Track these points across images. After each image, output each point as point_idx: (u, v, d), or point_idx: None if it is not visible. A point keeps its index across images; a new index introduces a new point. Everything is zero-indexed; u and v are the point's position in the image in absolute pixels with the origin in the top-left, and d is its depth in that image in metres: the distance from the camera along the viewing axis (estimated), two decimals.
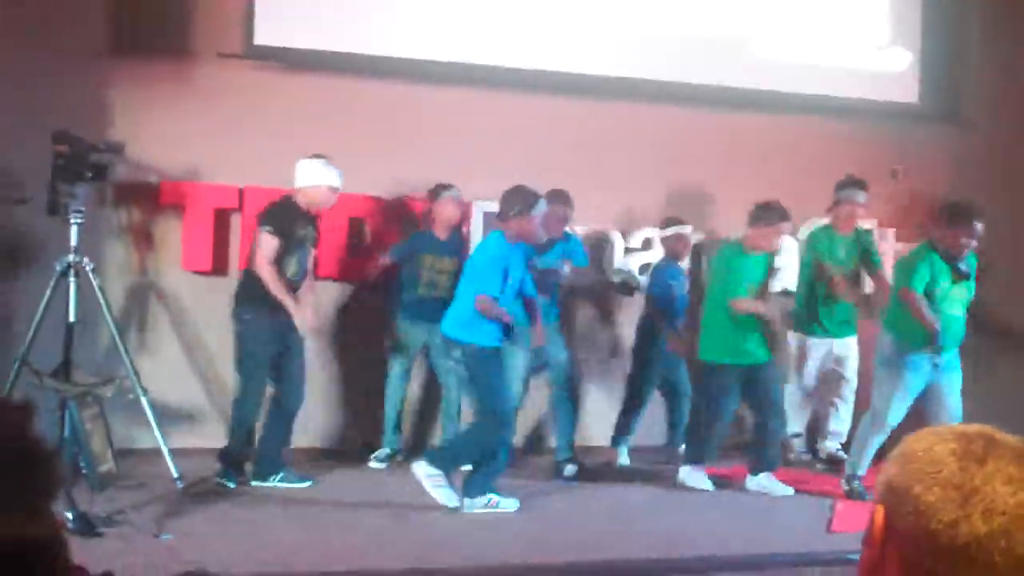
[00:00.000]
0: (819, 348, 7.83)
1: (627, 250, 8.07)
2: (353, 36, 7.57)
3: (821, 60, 8.59)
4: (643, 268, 7.92)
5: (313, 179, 6.61)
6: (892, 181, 8.66)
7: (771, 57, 8.44)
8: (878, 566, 1.41)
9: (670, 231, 7.69)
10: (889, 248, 8.42)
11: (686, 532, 6.03)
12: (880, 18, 8.70)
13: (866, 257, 7.87)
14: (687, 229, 7.72)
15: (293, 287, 6.55)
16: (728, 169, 8.32)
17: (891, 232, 8.53)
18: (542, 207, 6.32)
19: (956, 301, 6.74)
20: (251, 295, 6.50)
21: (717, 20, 8.32)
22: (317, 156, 6.64)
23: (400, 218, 7.69)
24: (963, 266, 6.71)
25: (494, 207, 7.64)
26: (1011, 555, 1.31)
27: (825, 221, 7.95)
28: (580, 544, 5.71)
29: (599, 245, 8.05)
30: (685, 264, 7.89)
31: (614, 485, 7.08)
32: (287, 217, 6.57)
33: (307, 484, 6.62)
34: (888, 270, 7.77)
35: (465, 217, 7.55)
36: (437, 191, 7.33)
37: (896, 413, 6.66)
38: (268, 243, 6.47)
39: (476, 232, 7.70)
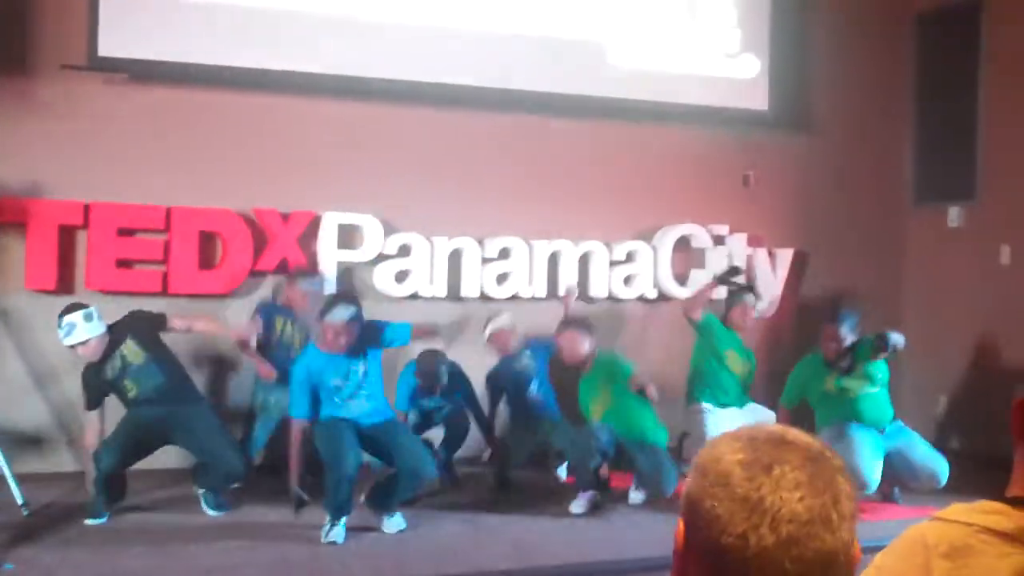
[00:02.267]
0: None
1: (484, 260, 8.15)
2: (201, 47, 7.50)
3: (674, 68, 8.77)
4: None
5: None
6: (744, 187, 8.91)
7: (626, 65, 8.60)
8: None
9: (489, 329, 7.48)
10: (738, 252, 8.70)
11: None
12: (730, 26, 8.94)
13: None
14: (505, 323, 7.48)
15: None
16: (585, 177, 8.49)
17: (743, 237, 8.77)
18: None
19: (860, 383, 7.01)
20: None
21: (573, 28, 8.45)
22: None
23: (252, 231, 7.66)
24: (844, 363, 6.99)
25: (346, 219, 7.73)
26: (802, 561, 1.32)
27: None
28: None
29: (455, 255, 8.12)
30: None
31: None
32: None
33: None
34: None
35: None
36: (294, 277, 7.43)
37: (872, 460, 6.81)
38: None
39: (328, 243, 7.73)
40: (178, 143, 7.47)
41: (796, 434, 1.43)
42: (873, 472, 6.67)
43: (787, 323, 9.03)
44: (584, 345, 7.04)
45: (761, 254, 8.83)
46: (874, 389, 7.04)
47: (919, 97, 9.47)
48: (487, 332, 7.47)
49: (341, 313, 6.09)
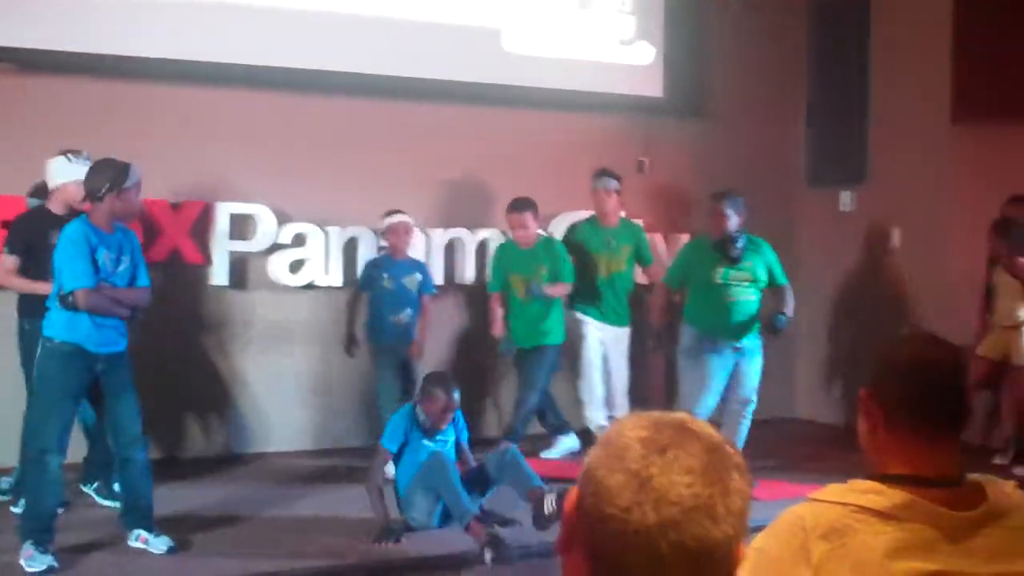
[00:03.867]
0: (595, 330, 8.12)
1: (380, 248, 8.12)
2: (86, 35, 7.37)
3: (568, 54, 8.84)
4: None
5: (61, 177, 6.29)
6: (639, 173, 9.00)
7: (521, 52, 8.64)
8: (568, 546, 1.44)
9: (387, 221, 7.61)
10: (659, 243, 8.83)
11: None
12: (625, 13, 9.02)
13: (638, 250, 8.23)
14: (403, 219, 7.63)
15: None
16: (481, 164, 8.51)
17: (639, 223, 8.86)
18: (135, 177, 5.50)
19: (740, 287, 7.12)
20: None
21: (468, 14, 8.47)
22: (64, 152, 6.35)
23: (140, 222, 7.54)
24: (734, 252, 7.09)
25: (238, 208, 7.67)
26: (679, 547, 1.34)
27: (589, 214, 8.29)
28: None
29: (351, 244, 8.09)
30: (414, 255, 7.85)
31: None
32: (32, 228, 6.30)
33: None
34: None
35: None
36: None
37: (704, 401, 7.03)
38: (4, 263, 6.26)
39: (220, 233, 7.67)
40: (63, 134, 7.31)
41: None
42: (698, 409, 6.87)
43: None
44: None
45: (658, 239, 8.93)
46: (752, 296, 7.13)
47: (812, 83, 9.66)
48: (384, 223, 7.57)
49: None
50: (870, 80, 9.11)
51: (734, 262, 7.10)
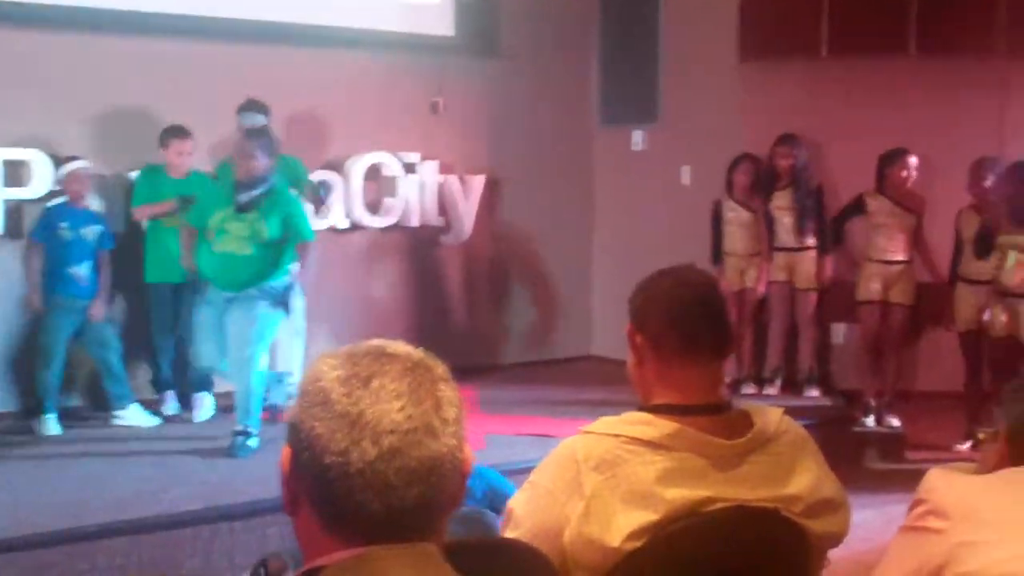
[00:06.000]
0: None
1: None
2: None
3: None
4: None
5: None
6: (433, 115, 8.98)
7: None
8: (294, 505, 1.44)
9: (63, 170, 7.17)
10: (430, 180, 8.82)
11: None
12: None
13: (298, 187, 7.57)
14: (83, 166, 7.19)
15: None
16: (272, 105, 8.32)
17: (434, 164, 8.87)
18: None
19: (235, 237, 6.50)
20: None
21: None
22: None
23: None
24: (244, 197, 6.48)
25: (11, 154, 7.33)
26: (407, 472, 1.35)
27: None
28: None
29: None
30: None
31: None
32: None
33: None
34: None
35: None
36: None
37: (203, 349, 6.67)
38: None
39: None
40: None
41: (397, 346, 1.45)
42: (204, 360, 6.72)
43: (483, 250, 9.21)
44: None
45: (453, 181, 8.95)
46: (248, 250, 6.46)
47: (604, 22, 9.78)
48: (60, 173, 7.20)
49: None
50: (660, 19, 9.28)
51: (241, 210, 6.49)
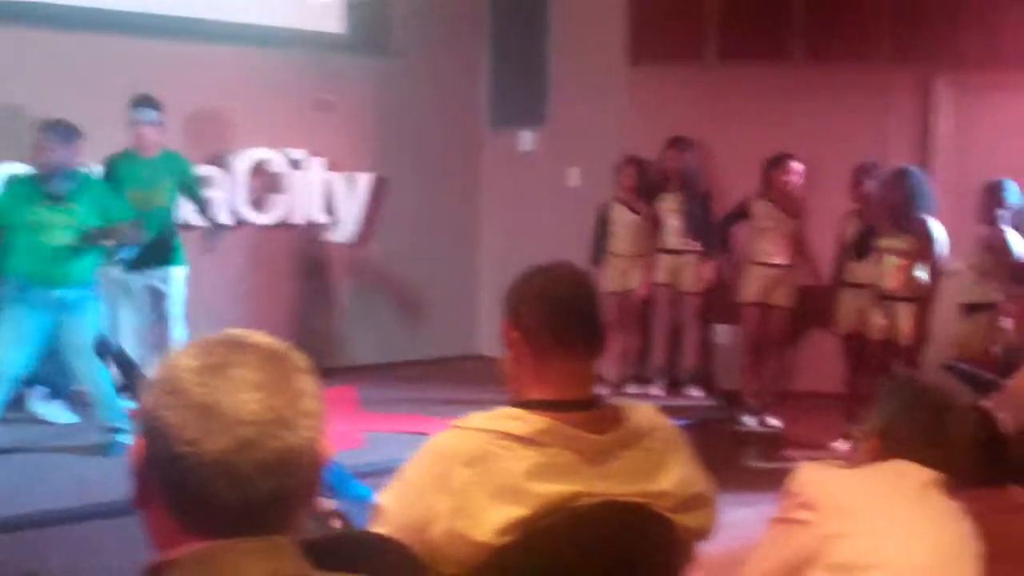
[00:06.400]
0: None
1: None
2: None
3: None
4: None
5: None
6: (320, 112, 8.91)
7: None
8: (145, 500, 1.40)
9: None
10: (316, 177, 8.76)
11: None
12: None
13: (184, 184, 7.48)
14: None
15: None
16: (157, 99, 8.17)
17: (321, 162, 8.80)
18: None
19: (57, 229, 6.28)
20: None
21: None
22: None
23: None
24: (56, 188, 6.28)
25: None
26: (262, 463, 1.32)
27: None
28: None
29: None
30: None
31: None
32: None
33: None
34: None
35: None
36: None
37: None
38: None
39: None
40: None
41: (256, 336, 1.42)
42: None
43: (369, 249, 9.17)
44: None
45: (339, 179, 8.89)
46: (67, 241, 6.24)
47: (494, 22, 9.79)
48: None
49: None
50: (550, 22, 9.33)
51: (56, 201, 6.30)
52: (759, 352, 8.05)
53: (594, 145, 8.92)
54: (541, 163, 9.42)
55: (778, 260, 7.94)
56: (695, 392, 8.37)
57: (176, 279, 7.34)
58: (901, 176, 7.25)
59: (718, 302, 8.41)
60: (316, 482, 1.42)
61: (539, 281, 2.42)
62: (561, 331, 2.35)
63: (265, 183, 8.64)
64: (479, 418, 2.30)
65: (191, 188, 7.53)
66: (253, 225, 8.55)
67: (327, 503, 2.50)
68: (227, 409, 1.33)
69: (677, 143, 8.32)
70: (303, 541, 1.40)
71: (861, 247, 7.43)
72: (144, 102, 7.27)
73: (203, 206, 7.75)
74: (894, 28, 8.29)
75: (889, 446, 2.37)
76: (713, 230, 8.28)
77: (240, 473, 1.32)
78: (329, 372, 8.40)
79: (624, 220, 8.38)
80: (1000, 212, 6.99)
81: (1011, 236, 6.91)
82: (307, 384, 1.41)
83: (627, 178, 8.37)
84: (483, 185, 9.87)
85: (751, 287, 7.98)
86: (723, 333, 8.77)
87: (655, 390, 8.32)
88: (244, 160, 8.46)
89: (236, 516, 1.34)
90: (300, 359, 1.43)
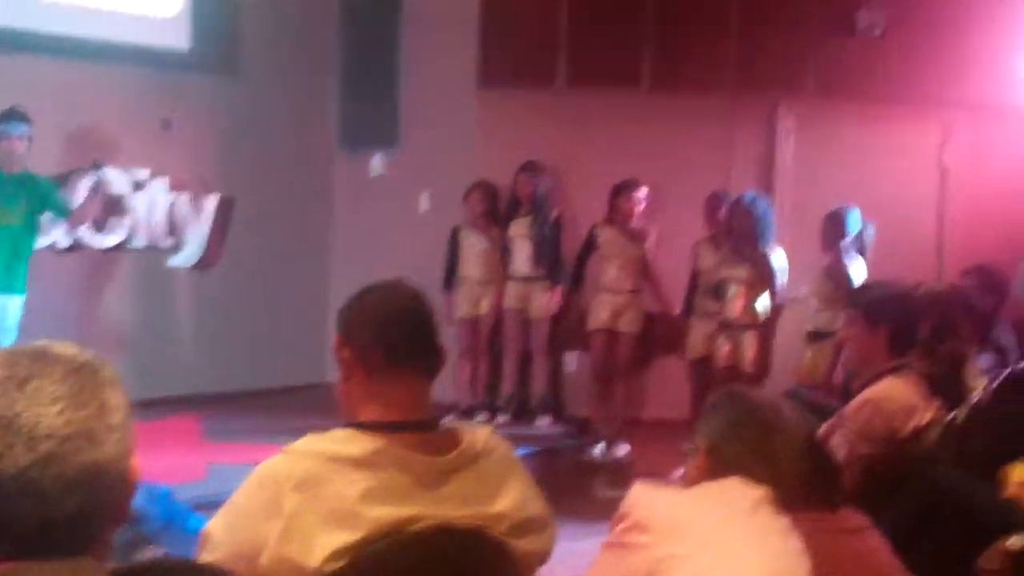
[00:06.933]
0: None
1: None
2: None
3: (89, 3, 8.46)
4: None
5: None
6: (165, 130, 8.74)
7: None
8: None
9: None
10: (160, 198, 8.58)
11: None
12: None
13: (44, 201, 7.37)
14: None
15: None
16: None
17: (165, 181, 8.62)
18: None
19: None
20: None
21: None
22: None
23: None
24: None
25: None
26: (63, 478, 1.29)
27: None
28: None
29: None
30: None
31: None
32: None
33: None
34: None
35: None
36: None
37: None
38: None
39: None
40: None
41: (64, 347, 1.39)
42: None
43: (214, 272, 8.99)
44: None
45: (185, 199, 8.71)
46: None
47: (345, 44, 9.75)
48: None
49: None
50: (401, 43, 9.33)
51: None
52: (607, 379, 8.12)
53: (446, 169, 8.92)
54: (393, 187, 9.39)
55: (624, 286, 8.02)
56: (545, 420, 8.39)
57: (12, 310, 7.12)
58: (745, 205, 7.40)
59: (567, 329, 8.46)
60: (125, 502, 1.37)
61: (373, 298, 2.40)
62: (395, 349, 2.32)
63: (106, 204, 8.41)
64: (310, 441, 2.26)
65: (51, 201, 7.36)
66: (93, 248, 8.29)
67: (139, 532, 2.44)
68: (26, 423, 1.29)
69: (528, 168, 8.37)
70: (114, 569, 1.34)
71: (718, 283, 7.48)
72: (12, 115, 7.14)
73: (65, 213, 7.56)
74: (739, 59, 8.51)
75: (718, 463, 2.39)
76: (562, 256, 8.34)
77: (41, 490, 1.28)
78: (172, 401, 8.27)
79: (474, 245, 8.40)
80: (841, 241, 7.18)
81: (851, 264, 7.11)
82: (115, 398, 1.36)
83: (476, 203, 8.39)
84: (333, 208, 9.80)
85: (598, 314, 8.05)
86: (572, 361, 8.83)
87: (504, 418, 8.32)
88: (84, 180, 8.22)
89: (37, 536, 1.28)
90: (108, 371, 1.39)
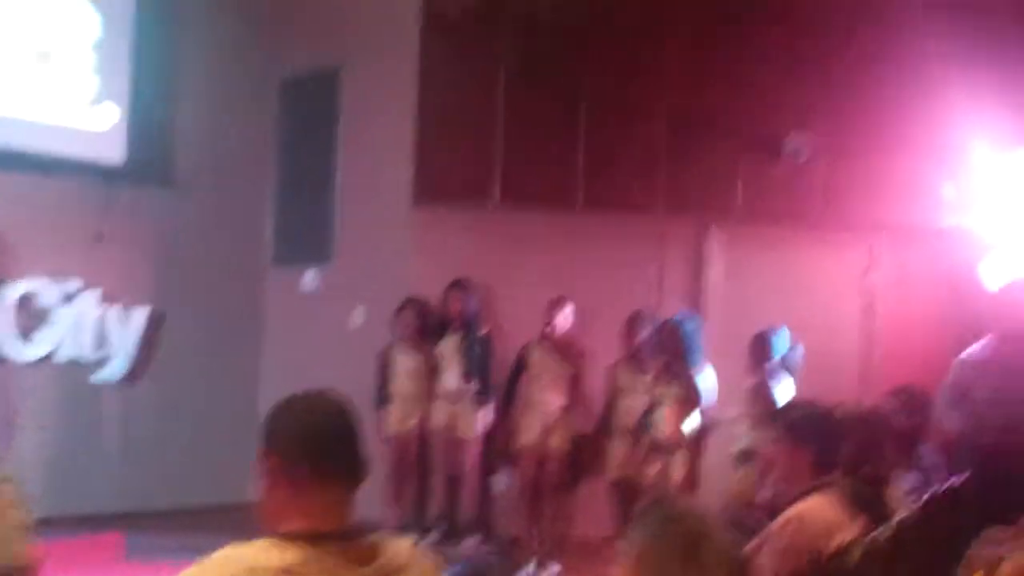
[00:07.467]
0: None
1: None
2: None
3: (23, 113, 8.49)
4: None
5: None
6: (97, 242, 8.71)
7: None
8: None
9: None
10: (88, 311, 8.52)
11: None
12: (86, 72, 8.76)
13: None
14: None
15: None
16: None
17: (96, 293, 8.58)
18: None
19: None
20: None
21: None
22: None
23: None
24: None
25: None
26: None
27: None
28: None
29: None
30: None
31: None
32: None
33: None
34: None
35: None
36: None
37: None
38: None
39: None
40: None
41: None
42: None
43: (142, 387, 8.91)
44: None
45: (114, 312, 8.66)
46: None
47: (281, 158, 9.85)
48: None
49: None
50: (337, 158, 9.42)
51: None
52: (536, 497, 8.08)
53: (379, 285, 8.95)
54: (325, 302, 9.41)
55: (554, 404, 8.04)
56: (474, 539, 8.31)
57: None
58: (673, 327, 7.49)
59: (497, 448, 8.42)
60: None
61: (297, 408, 2.40)
62: (319, 458, 2.33)
63: (32, 316, 8.35)
64: (229, 552, 2.25)
65: None
66: (15, 362, 8.20)
67: None
68: None
69: (458, 285, 8.41)
70: None
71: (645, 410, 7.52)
72: None
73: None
74: (669, 181, 8.67)
75: (646, 570, 2.40)
76: (491, 374, 8.34)
77: None
78: (94, 519, 8.09)
79: (404, 363, 8.40)
80: (767, 361, 7.27)
81: (779, 384, 7.19)
82: (9, 494, 1.38)
83: (407, 321, 8.40)
84: (265, 323, 9.78)
85: (528, 432, 8.05)
86: (501, 481, 8.77)
87: (433, 537, 8.23)
88: (10, 292, 8.17)
89: None
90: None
